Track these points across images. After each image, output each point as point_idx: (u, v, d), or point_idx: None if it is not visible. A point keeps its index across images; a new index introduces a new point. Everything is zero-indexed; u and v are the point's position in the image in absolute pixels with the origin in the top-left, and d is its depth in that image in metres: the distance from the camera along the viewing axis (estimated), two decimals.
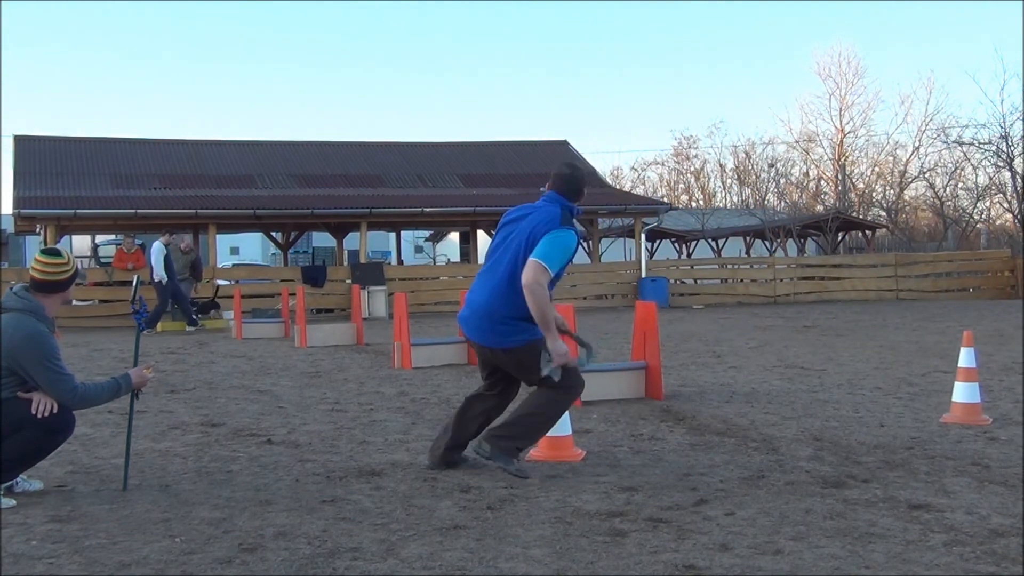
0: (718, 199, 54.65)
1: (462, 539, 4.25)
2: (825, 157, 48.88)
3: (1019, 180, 32.75)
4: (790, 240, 32.77)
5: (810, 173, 49.49)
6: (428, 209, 23.31)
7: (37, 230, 24.58)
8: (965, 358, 7.08)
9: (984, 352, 10.74)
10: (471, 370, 10.64)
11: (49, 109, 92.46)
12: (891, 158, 46.81)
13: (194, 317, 17.84)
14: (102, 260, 26.20)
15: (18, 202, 21.44)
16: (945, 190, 39.17)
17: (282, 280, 22.36)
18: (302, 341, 13.99)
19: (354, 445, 6.45)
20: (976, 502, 4.77)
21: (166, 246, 17.40)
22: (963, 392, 7.04)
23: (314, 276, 22.20)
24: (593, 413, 7.49)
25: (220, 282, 21.52)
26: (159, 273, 17.13)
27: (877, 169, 47.03)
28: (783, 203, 43.58)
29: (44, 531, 4.43)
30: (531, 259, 5.20)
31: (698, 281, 27.08)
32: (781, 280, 25.11)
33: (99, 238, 31.48)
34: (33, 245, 32.78)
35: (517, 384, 5.72)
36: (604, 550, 4.08)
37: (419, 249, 42.77)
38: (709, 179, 56.42)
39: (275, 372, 10.79)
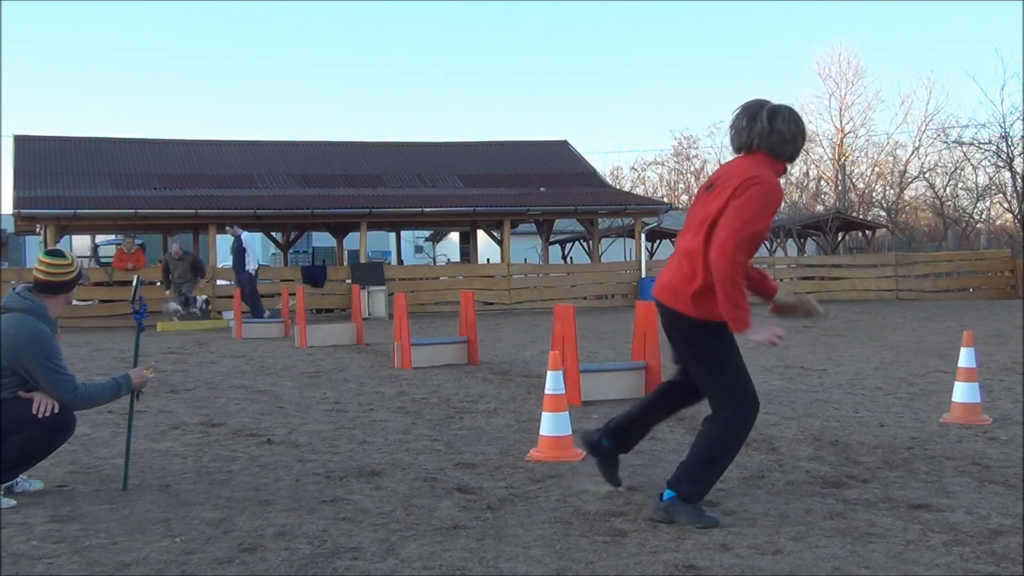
0: None
1: (462, 539, 4.25)
2: (825, 157, 48.91)
3: (1019, 180, 32.78)
4: (790, 240, 32.75)
5: (810, 173, 49.50)
6: (428, 209, 23.31)
7: (37, 230, 24.58)
8: (965, 358, 7.08)
9: (984, 352, 10.74)
10: (471, 370, 10.64)
11: (49, 109, 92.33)
12: (891, 158, 46.92)
13: (262, 311, 18.49)
14: (102, 260, 26.20)
15: (18, 202, 21.45)
16: (945, 190, 39.23)
17: (282, 280, 22.37)
18: (302, 341, 13.99)
19: (354, 445, 6.45)
20: (976, 502, 4.76)
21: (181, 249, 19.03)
22: (963, 392, 7.04)
23: (314, 276, 22.21)
24: (593, 413, 7.48)
25: (220, 282, 21.53)
26: (251, 264, 18.64)
27: (877, 169, 47.10)
28: (783, 203, 43.50)
29: (44, 531, 4.43)
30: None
31: None
32: (781, 280, 25.10)
33: (99, 238, 31.48)
34: (33, 245, 32.76)
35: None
36: (604, 550, 4.08)
37: (419, 249, 42.69)
38: None
39: (275, 372, 10.80)
